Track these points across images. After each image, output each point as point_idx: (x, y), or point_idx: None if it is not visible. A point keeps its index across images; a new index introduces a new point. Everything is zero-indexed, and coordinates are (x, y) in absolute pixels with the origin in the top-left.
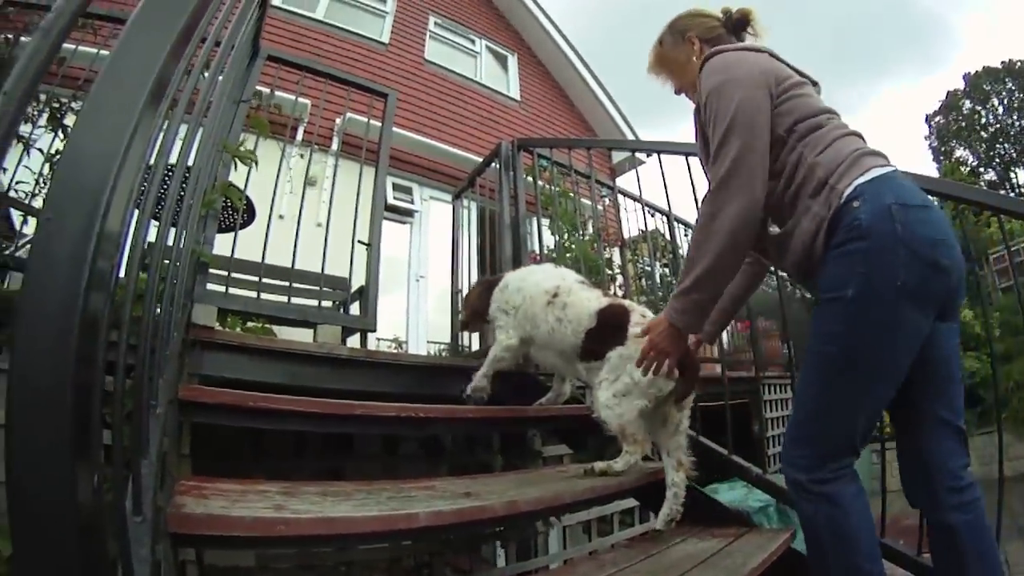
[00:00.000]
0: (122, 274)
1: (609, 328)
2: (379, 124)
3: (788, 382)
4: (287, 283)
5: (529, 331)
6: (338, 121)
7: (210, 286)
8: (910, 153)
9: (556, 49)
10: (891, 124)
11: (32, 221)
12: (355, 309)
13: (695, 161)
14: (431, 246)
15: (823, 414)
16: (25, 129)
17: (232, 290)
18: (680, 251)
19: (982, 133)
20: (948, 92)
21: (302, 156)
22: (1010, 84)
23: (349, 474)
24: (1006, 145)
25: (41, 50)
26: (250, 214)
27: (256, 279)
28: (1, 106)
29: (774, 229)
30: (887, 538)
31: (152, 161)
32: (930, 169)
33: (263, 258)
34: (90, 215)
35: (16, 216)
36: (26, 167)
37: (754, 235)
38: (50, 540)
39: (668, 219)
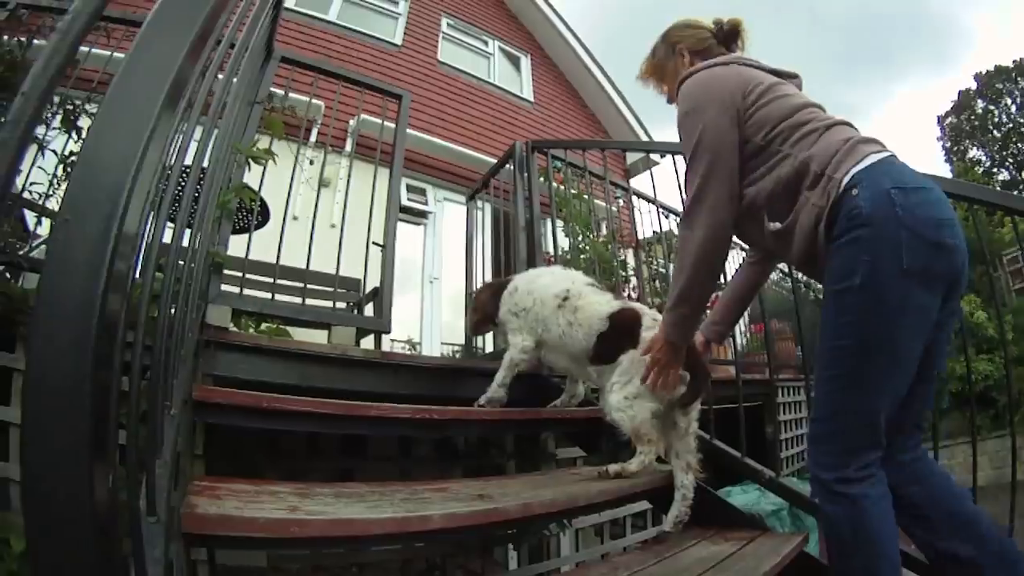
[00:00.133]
0: (138, 275)
1: (621, 332)
2: (393, 125)
3: (801, 384)
4: (301, 284)
5: (540, 333)
6: (351, 122)
7: (224, 287)
8: (924, 154)
9: (568, 50)
10: (905, 125)
11: (46, 222)
12: (369, 310)
13: None
14: (445, 247)
15: (843, 409)
16: (39, 130)
17: (246, 291)
18: None
19: (995, 132)
20: (960, 92)
21: (312, 162)
22: (1023, 83)
23: (362, 475)
24: (1019, 144)
25: (59, 51)
26: (264, 215)
27: (271, 280)
28: (19, 107)
29: (775, 225)
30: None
31: (169, 163)
32: (942, 170)
33: (278, 259)
34: (108, 217)
35: (30, 217)
36: (40, 168)
37: (725, 251)
38: (66, 540)
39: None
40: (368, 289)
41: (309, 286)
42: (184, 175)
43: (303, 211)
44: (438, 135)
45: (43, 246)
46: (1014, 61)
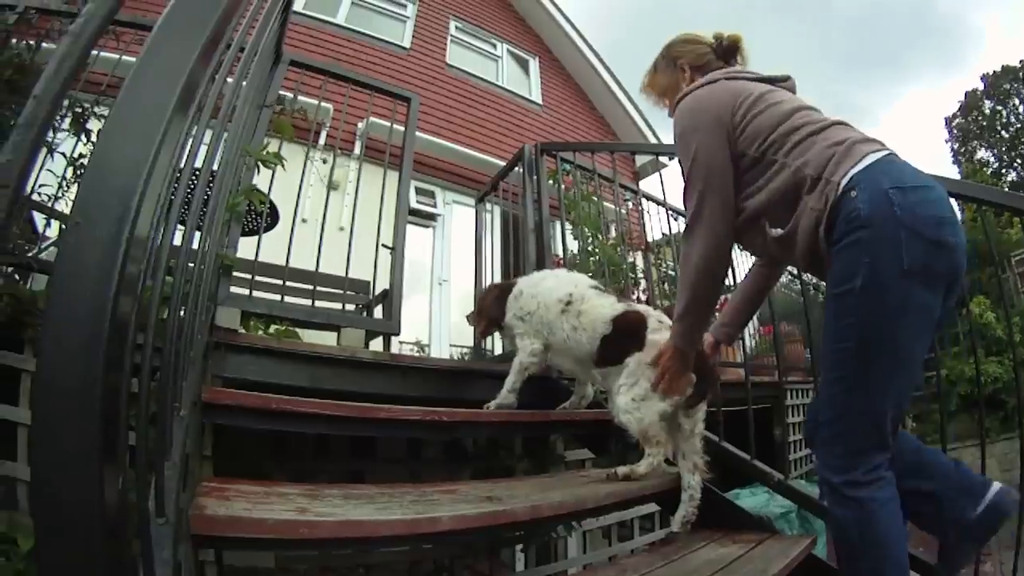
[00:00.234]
0: (148, 278)
1: (625, 334)
2: (402, 128)
3: (810, 387)
4: (311, 286)
5: (546, 336)
6: (360, 125)
7: (234, 289)
8: (932, 156)
9: (576, 52)
10: (914, 127)
11: (55, 224)
12: (378, 312)
13: None
14: (453, 250)
15: (849, 410)
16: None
17: (256, 293)
18: None
19: (1003, 133)
20: (967, 93)
21: (325, 161)
22: None
23: (372, 477)
24: None
25: (71, 54)
26: (274, 217)
27: (280, 282)
28: (32, 110)
29: (777, 231)
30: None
31: (180, 166)
32: (951, 172)
33: (287, 261)
34: (119, 221)
35: (39, 219)
36: (48, 170)
37: (726, 263)
38: (75, 541)
39: None
40: (377, 291)
41: (318, 288)
42: (194, 178)
43: (312, 214)
44: (447, 138)
45: (52, 248)
46: (1021, 61)
